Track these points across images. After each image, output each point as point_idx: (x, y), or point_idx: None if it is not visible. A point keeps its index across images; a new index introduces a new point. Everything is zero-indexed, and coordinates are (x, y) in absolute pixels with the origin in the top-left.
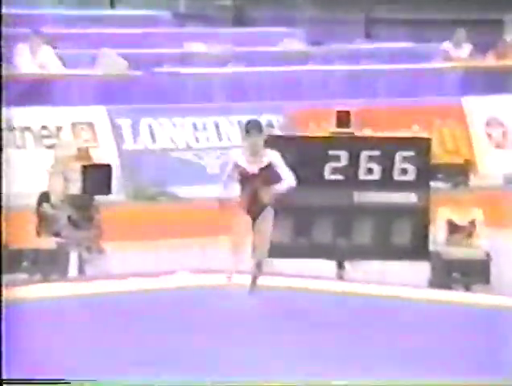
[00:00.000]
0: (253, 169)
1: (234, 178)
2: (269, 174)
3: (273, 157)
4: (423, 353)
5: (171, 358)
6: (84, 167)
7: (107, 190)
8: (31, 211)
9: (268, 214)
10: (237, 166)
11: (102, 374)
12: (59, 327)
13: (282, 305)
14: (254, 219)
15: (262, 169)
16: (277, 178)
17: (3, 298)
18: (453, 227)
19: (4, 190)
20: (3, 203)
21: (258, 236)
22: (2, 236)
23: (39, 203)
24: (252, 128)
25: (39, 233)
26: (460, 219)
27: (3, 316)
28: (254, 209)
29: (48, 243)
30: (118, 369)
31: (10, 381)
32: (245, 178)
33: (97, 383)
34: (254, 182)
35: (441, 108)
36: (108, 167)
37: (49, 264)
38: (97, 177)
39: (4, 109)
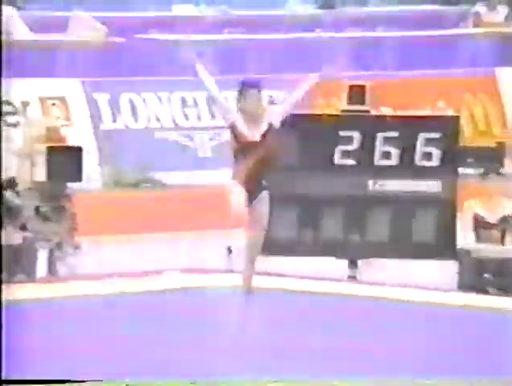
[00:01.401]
0: (253, 135)
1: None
2: (272, 142)
3: (274, 115)
4: (448, 364)
5: (154, 370)
6: (51, 149)
7: (77, 176)
8: None
9: (265, 198)
10: (234, 129)
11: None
12: (26, 334)
13: (285, 308)
14: (250, 201)
15: (263, 135)
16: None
17: None
18: (481, 224)
19: None
20: None
21: (252, 225)
22: None
23: (3, 191)
24: (249, 88)
25: (2, 226)
26: (490, 215)
27: None
28: (252, 187)
29: (13, 238)
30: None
31: (9, 381)
32: (243, 147)
33: (98, 383)
34: (255, 152)
35: (471, 81)
36: (78, 150)
37: (14, 263)
38: (66, 161)
39: None
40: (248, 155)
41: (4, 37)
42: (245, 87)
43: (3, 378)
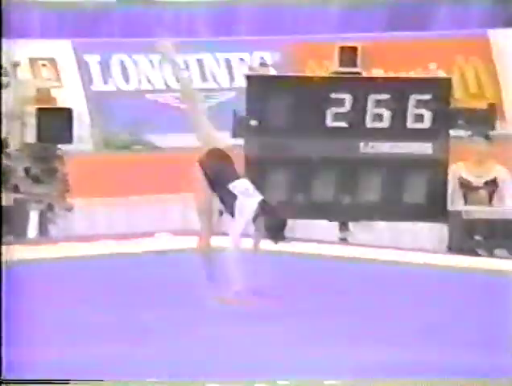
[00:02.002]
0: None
1: None
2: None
3: None
4: (437, 327)
5: (149, 334)
6: (40, 111)
7: (68, 138)
8: None
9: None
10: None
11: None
12: (17, 297)
13: (277, 271)
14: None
15: None
16: None
17: None
18: (467, 186)
19: None
20: None
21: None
22: None
23: None
24: None
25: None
26: (476, 178)
27: None
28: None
29: (4, 199)
30: (85, 347)
31: (10, 381)
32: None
33: (98, 383)
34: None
35: (463, 42)
36: (68, 111)
37: (5, 224)
38: (56, 123)
39: None
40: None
41: None
42: None
43: (3, 378)
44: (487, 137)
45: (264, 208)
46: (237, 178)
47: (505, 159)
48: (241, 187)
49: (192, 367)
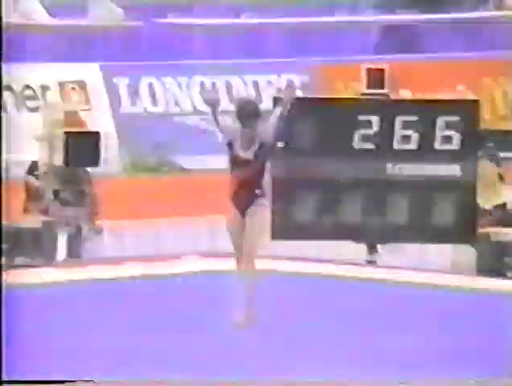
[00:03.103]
0: (247, 155)
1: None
2: (263, 158)
3: (265, 134)
4: (468, 351)
5: (178, 353)
6: (68, 134)
7: (95, 161)
8: (17, 183)
9: (260, 210)
10: (230, 146)
11: (94, 371)
12: (44, 318)
13: (305, 293)
14: (243, 212)
15: (256, 153)
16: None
17: None
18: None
19: None
20: None
21: (245, 237)
22: None
23: (27, 175)
24: (245, 116)
25: (26, 210)
26: (485, 202)
27: None
28: (243, 201)
29: (33, 221)
30: (114, 367)
31: (9, 382)
32: (238, 164)
33: (96, 383)
34: (248, 169)
35: (492, 64)
36: (95, 134)
37: (33, 246)
38: (84, 146)
39: None
40: (241, 171)
41: (22, 21)
42: (243, 114)
43: (3, 378)
44: (497, 161)
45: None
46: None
47: None
48: None
49: None
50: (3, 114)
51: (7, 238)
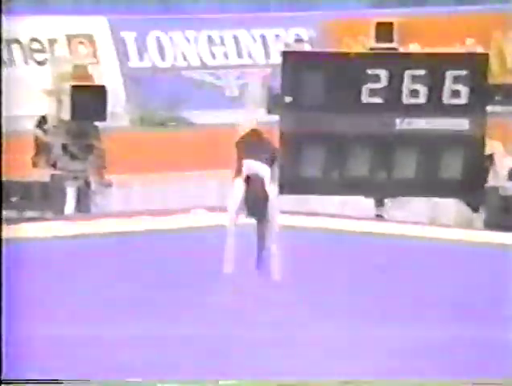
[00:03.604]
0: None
1: None
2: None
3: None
4: (474, 302)
5: (187, 309)
6: (74, 88)
7: (102, 115)
8: (26, 137)
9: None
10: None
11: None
12: (53, 271)
13: (314, 248)
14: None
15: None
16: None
17: None
18: None
19: None
20: None
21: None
22: None
23: (36, 129)
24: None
25: (35, 164)
26: None
27: None
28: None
29: (41, 175)
30: (121, 323)
31: (9, 381)
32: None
33: (96, 382)
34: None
35: (501, 17)
36: (102, 88)
37: (41, 200)
38: (90, 100)
39: None
40: (246, 147)
41: None
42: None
43: (3, 378)
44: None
45: (248, 184)
46: (257, 158)
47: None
48: (253, 169)
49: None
50: (11, 67)
51: (16, 192)
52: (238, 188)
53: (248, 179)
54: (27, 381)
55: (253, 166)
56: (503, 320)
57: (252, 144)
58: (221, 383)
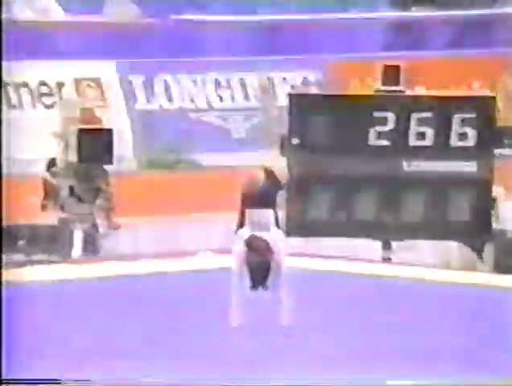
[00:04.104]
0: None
1: None
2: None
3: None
4: (485, 349)
5: (193, 351)
6: (81, 131)
7: (108, 158)
8: (33, 180)
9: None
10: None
11: (111, 367)
12: (61, 314)
13: (322, 289)
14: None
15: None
16: None
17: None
18: None
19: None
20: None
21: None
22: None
23: (45, 172)
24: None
25: (44, 207)
26: None
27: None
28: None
29: (49, 218)
30: (130, 363)
31: (9, 381)
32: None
33: (96, 383)
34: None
35: (507, 59)
36: (109, 132)
37: (49, 243)
38: (96, 143)
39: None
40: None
41: (39, 18)
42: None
43: (3, 378)
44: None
45: (251, 245)
46: (265, 205)
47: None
48: (256, 218)
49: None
50: (20, 111)
51: (24, 235)
52: (239, 248)
53: (250, 243)
54: (27, 381)
55: (257, 216)
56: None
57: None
58: None
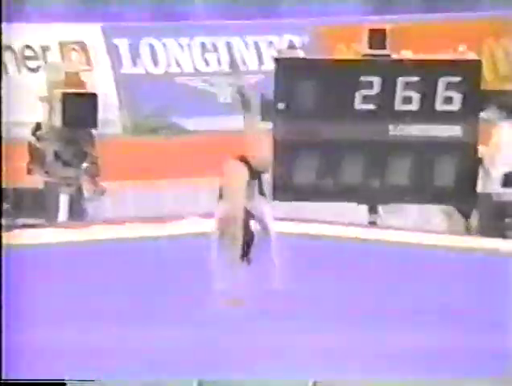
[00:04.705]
0: None
1: None
2: None
3: None
4: (466, 311)
5: (181, 316)
6: (65, 95)
7: (93, 122)
8: (19, 144)
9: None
10: None
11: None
12: (46, 279)
13: (306, 255)
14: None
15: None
16: None
17: None
18: None
19: None
20: None
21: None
22: None
23: (31, 136)
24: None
25: (30, 171)
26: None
27: None
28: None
29: (35, 182)
30: (116, 332)
31: (9, 381)
32: None
33: (97, 383)
34: None
35: (493, 23)
36: (93, 96)
37: (35, 207)
38: (80, 107)
39: None
40: None
41: None
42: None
43: (3, 378)
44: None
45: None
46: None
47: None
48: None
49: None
50: (4, 75)
51: (9, 199)
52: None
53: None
54: (27, 381)
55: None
56: (498, 326)
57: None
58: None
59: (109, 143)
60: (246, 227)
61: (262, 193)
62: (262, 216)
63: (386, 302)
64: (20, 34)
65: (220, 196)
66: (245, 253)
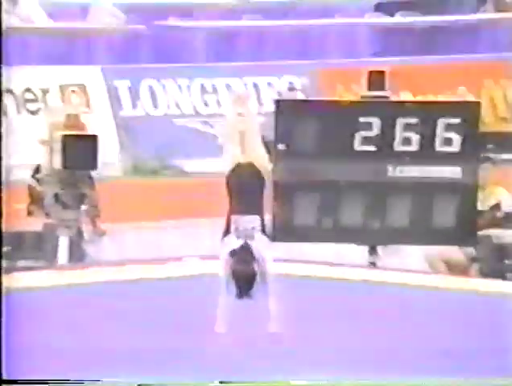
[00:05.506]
0: None
1: None
2: None
3: None
4: (469, 353)
5: (179, 357)
6: (66, 137)
7: (93, 164)
8: (19, 187)
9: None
10: None
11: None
12: (46, 321)
13: (308, 295)
14: None
15: None
16: None
17: None
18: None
19: None
20: None
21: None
22: None
23: (31, 178)
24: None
25: (30, 213)
26: (480, 203)
27: None
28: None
29: (35, 224)
30: (116, 369)
31: (9, 381)
32: None
33: (97, 383)
34: None
35: (492, 66)
36: (93, 137)
37: (35, 249)
38: (81, 149)
39: None
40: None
41: (22, 24)
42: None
43: (3, 378)
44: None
45: (238, 255)
46: (256, 212)
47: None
48: (241, 225)
49: None
50: (3, 118)
51: (9, 241)
52: (224, 256)
53: (234, 254)
54: (27, 381)
55: (242, 223)
56: (500, 368)
57: (244, 185)
58: None
59: (110, 185)
60: (247, 265)
61: (263, 232)
62: (262, 258)
63: (387, 343)
64: (20, 77)
65: (226, 232)
66: (246, 292)
